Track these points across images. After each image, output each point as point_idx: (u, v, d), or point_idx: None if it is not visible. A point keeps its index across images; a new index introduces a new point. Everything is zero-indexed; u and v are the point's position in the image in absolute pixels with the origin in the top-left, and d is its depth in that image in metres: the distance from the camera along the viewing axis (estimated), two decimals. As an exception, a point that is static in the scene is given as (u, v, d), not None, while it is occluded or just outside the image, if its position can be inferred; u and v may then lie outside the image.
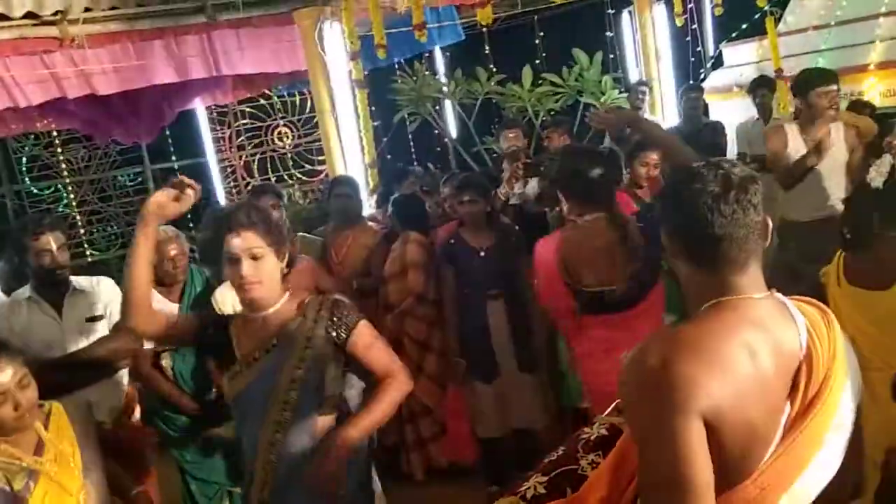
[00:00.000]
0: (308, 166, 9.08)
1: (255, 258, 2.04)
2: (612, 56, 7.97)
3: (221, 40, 5.35)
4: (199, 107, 8.11)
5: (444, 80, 8.43)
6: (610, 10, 8.05)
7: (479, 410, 3.71)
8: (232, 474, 3.20)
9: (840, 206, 3.06)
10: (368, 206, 4.93)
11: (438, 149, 9.22)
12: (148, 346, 3.22)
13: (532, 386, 3.68)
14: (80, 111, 6.50)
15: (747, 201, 1.34)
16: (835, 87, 3.67)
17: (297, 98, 8.83)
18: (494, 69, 8.06)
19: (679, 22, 6.42)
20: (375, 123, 6.17)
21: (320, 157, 8.52)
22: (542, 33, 8.65)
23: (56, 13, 4.68)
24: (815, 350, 1.37)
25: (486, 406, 3.68)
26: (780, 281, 1.57)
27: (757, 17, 6.24)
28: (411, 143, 9.08)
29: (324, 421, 2.14)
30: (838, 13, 6.05)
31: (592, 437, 1.67)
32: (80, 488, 2.04)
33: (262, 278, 2.06)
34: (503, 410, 3.68)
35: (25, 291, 2.95)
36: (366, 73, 5.42)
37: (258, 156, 8.92)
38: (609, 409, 1.81)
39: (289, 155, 9.06)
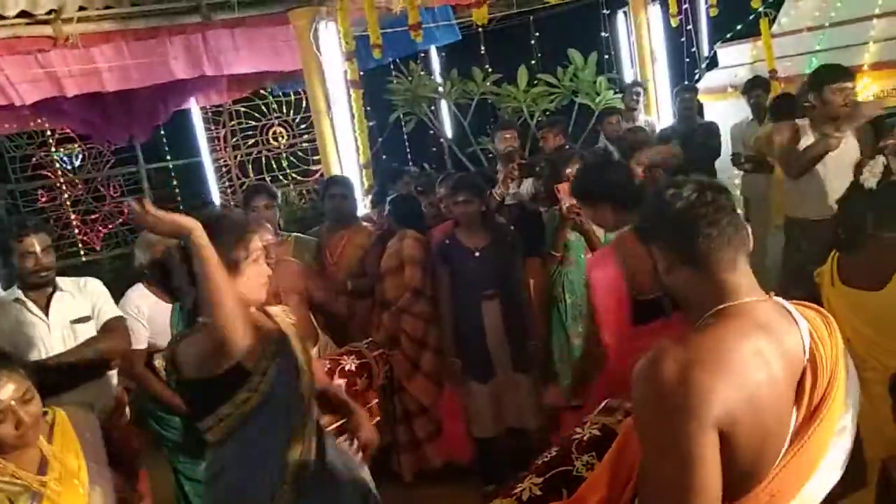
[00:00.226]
0: (303, 166, 9.07)
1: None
2: (607, 56, 7.98)
3: (216, 40, 5.35)
4: (194, 106, 8.09)
5: (439, 80, 8.44)
6: (605, 11, 8.05)
7: (474, 410, 3.71)
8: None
9: None
10: (363, 207, 4.93)
11: (434, 149, 9.23)
12: (140, 346, 3.22)
13: (527, 386, 3.68)
14: (73, 110, 6.48)
15: (724, 200, 1.41)
16: (849, 83, 3.64)
17: (293, 98, 8.81)
18: (490, 69, 8.07)
19: (674, 22, 6.43)
20: (371, 124, 6.17)
21: (315, 157, 8.51)
22: (537, 33, 8.66)
23: (50, 12, 4.66)
24: (819, 354, 1.37)
25: (481, 406, 3.68)
26: (790, 282, 1.59)
27: (751, 18, 6.25)
28: (407, 144, 9.08)
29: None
30: (832, 14, 6.06)
31: (585, 438, 1.67)
32: None
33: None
34: (498, 410, 3.68)
35: (13, 293, 2.94)
36: (361, 73, 5.41)
37: (253, 155, 8.90)
38: (598, 409, 1.81)
39: (284, 155, 9.05)
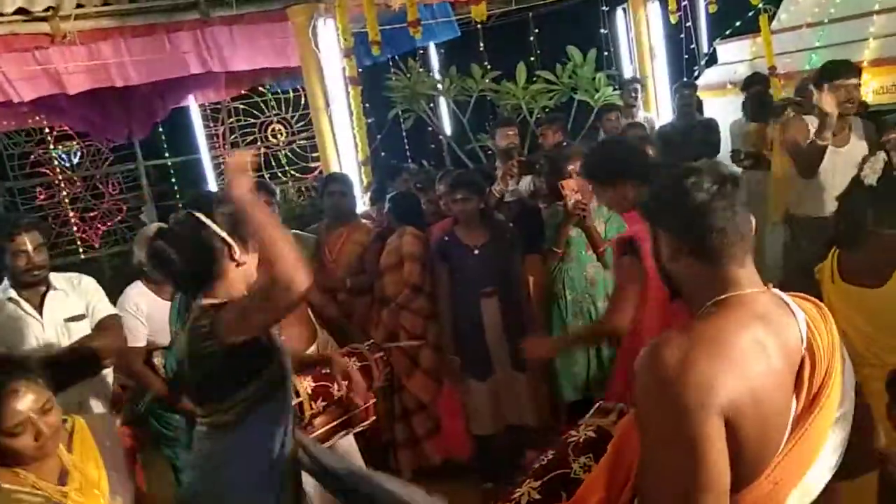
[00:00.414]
0: (302, 163, 9.05)
1: None
2: (606, 53, 7.97)
3: (214, 37, 5.33)
4: (193, 103, 8.08)
5: (438, 77, 8.42)
6: (604, 7, 8.05)
7: (473, 407, 3.71)
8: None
9: None
10: (362, 204, 4.92)
11: (433, 146, 9.22)
12: (139, 343, 3.21)
13: (526, 383, 3.68)
14: (72, 107, 6.46)
15: (739, 196, 1.39)
16: (851, 80, 3.63)
17: (291, 95, 8.80)
18: (489, 66, 8.06)
19: (673, 19, 6.41)
20: (369, 120, 6.17)
21: (314, 155, 8.50)
22: (536, 30, 8.64)
23: (47, 9, 4.65)
24: (816, 344, 1.39)
25: (479, 403, 3.68)
26: (792, 279, 1.59)
27: (751, 14, 6.23)
28: (405, 141, 9.06)
29: None
30: (832, 11, 6.05)
31: (581, 440, 1.66)
32: None
33: None
34: (497, 407, 3.68)
35: (6, 292, 2.91)
36: (359, 70, 5.40)
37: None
38: (591, 411, 1.80)
39: (283, 152, 9.03)
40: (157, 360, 3.17)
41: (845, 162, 3.54)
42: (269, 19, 5.49)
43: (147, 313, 3.25)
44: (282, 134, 9.01)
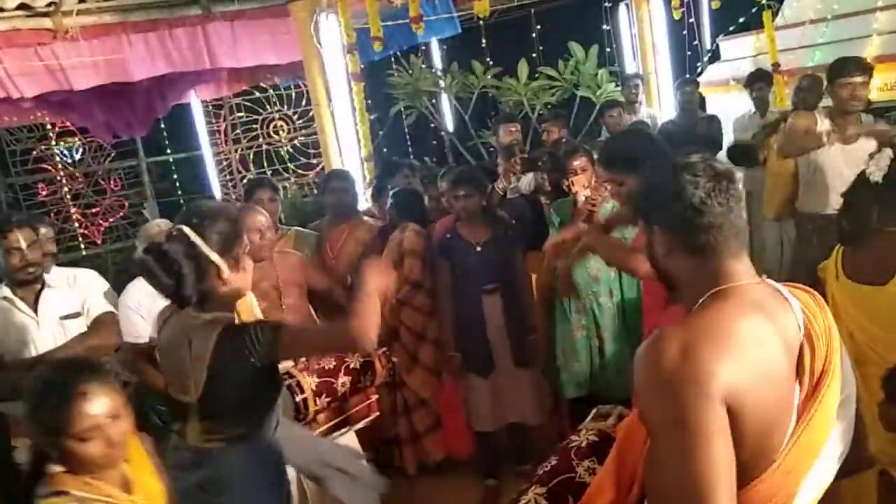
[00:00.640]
0: (304, 160, 9.04)
1: None
2: (608, 50, 7.95)
3: (216, 33, 5.32)
4: (194, 99, 8.06)
5: (440, 73, 8.40)
6: (607, 4, 8.02)
7: (474, 404, 3.70)
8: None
9: None
10: (365, 201, 4.91)
11: (434, 142, 9.21)
12: (141, 340, 3.20)
13: (527, 380, 3.68)
14: (73, 104, 6.45)
15: (735, 190, 1.40)
16: (858, 78, 3.61)
17: (293, 91, 8.78)
18: (491, 62, 8.04)
19: (676, 15, 6.39)
20: (371, 117, 6.15)
21: (316, 151, 8.49)
22: (538, 26, 8.61)
23: (49, 4, 4.65)
24: (813, 330, 1.39)
25: (481, 400, 3.68)
26: (798, 277, 1.59)
27: (754, 10, 6.23)
28: (407, 137, 9.05)
29: None
30: (835, 7, 6.04)
31: (583, 444, 1.66)
32: None
33: None
34: (498, 405, 3.67)
35: (1, 290, 2.89)
36: (361, 66, 5.38)
37: (254, 149, 8.88)
38: (591, 416, 1.80)
39: (284, 148, 9.02)
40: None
41: (854, 159, 3.53)
42: (270, 15, 5.48)
43: (149, 309, 3.23)
44: (283, 130, 8.99)
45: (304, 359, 2.65)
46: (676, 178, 1.39)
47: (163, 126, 8.39)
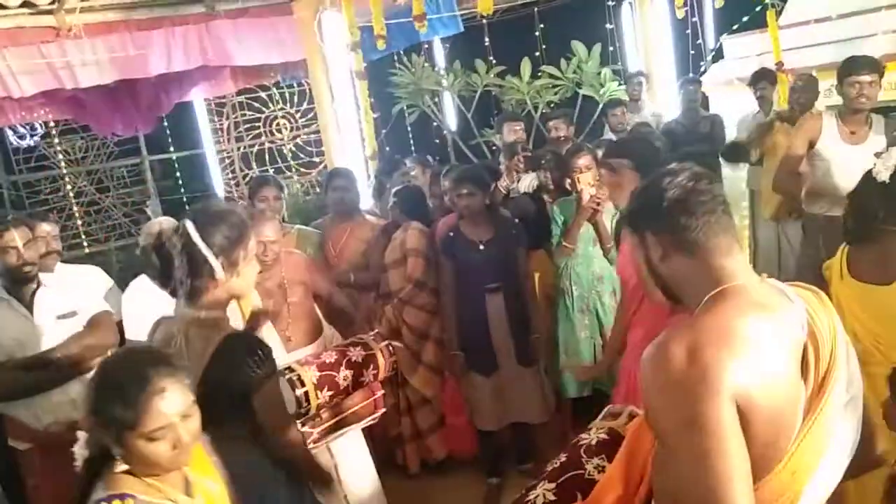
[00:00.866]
0: (306, 158, 9.04)
1: None
2: (611, 48, 7.94)
3: (219, 30, 5.33)
4: (197, 97, 8.07)
5: (442, 72, 8.40)
6: (610, 2, 8.01)
7: (477, 403, 3.70)
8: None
9: None
10: (370, 198, 4.91)
11: (437, 141, 9.20)
12: (142, 339, 3.20)
13: (530, 379, 3.67)
14: (76, 101, 6.47)
15: (717, 189, 1.44)
16: (865, 77, 3.58)
17: (296, 89, 8.77)
18: (493, 61, 8.03)
19: (679, 14, 6.37)
20: (374, 116, 6.15)
21: (319, 149, 8.48)
22: (541, 25, 8.60)
23: (52, 2, 4.65)
24: (817, 328, 1.39)
25: (484, 399, 3.67)
26: (805, 277, 1.58)
27: (758, 9, 6.20)
28: (410, 136, 9.05)
29: None
30: (840, 6, 6.02)
31: (593, 442, 1.66)
32: None
33: None
34: (501, 403, 3.67)
35: None
36: (364, 64, 5.38)
37: (256, 147, 8.88)
38: (602, 415, 1.80)
39: (287, 147, 9.02)
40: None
41: (863, 159, 3.51)
42: (274, 13, 5.48)
43: (152, 306, 3.23)
44: (286, 128, 8.99)
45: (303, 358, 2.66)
46: (657, 182, 1.45)
47: (165, 124, 8.40)
